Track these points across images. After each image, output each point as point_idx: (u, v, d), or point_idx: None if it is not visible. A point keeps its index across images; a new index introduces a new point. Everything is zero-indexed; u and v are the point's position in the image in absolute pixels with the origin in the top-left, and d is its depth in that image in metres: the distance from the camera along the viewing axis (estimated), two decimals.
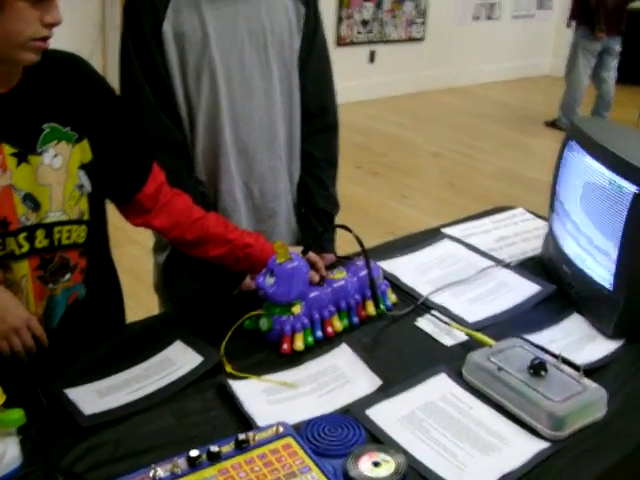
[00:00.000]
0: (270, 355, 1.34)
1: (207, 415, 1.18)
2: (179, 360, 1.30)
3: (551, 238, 1.72)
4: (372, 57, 6.79)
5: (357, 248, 1.72)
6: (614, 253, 1.41)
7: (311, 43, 1.59)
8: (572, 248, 1.58)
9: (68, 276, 1.25)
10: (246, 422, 1.15)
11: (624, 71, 6.15)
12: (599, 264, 1.47)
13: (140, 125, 1.35)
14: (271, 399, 1.22)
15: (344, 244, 1.64)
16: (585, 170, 1.52)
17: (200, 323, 1.43)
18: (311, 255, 1.41)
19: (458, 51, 7.36)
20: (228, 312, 1.46)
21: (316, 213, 1.66)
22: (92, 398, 1.19)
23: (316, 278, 1.40)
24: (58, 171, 1.19)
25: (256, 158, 1.55)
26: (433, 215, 3.95)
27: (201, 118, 1.47)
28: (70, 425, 1.13)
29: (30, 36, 1.07)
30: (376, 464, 1.00)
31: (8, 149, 1.14)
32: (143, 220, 1.34)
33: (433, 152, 5.41)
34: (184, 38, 1.41)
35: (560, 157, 1.66)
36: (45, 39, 1.09)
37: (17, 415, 1.00)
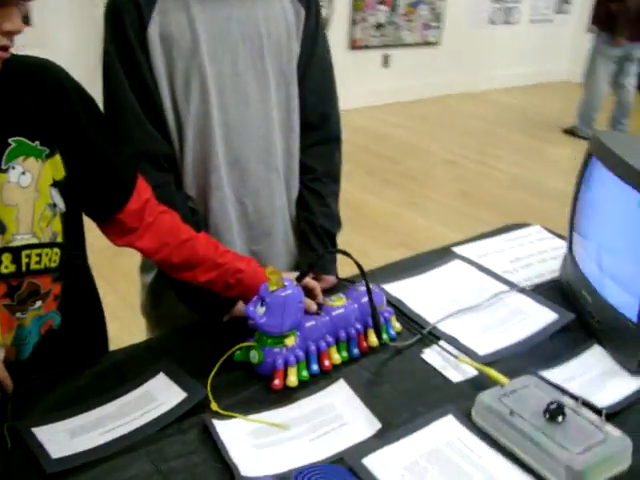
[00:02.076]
0: (260, 391, 1.23)
1: (188, 461, 1.06)
2: (160, 396, 1.18)
3: (570, 260, 1.60)
4: (386, 61, 6.67)
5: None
6: (638, 281, 1.28)
7: (311, 49, 1.47)
8: (594, 273, 1.46)
9: (39, 304, 1.14)
10: (229, 470, 1.03)
11: None
12: (623, 293, 1.34)
13: (123, 138, 1.24)
14: (257, 443, 1.10)
15: (346, 265, 1.52)
16: (609, 190, 1.40)
17: (186, 352, 1.32)
18: (308, 281, 1.30)
19: (474, 56, 7.23)
20: (217, 340, 1.35)
21: (316, 232, 1.54)
22: (62, 438, 1.08)
23: (313, 307, 1.28)
24: (26, 190, 1.08)
25: (250, 172, 1.44)
26: (445, 225, 3.83)
27: (190, 129, 1.36)
28: (35, 471, 1.01)
29: None
30: None
31: None
32: (126, 240, 1.23)
33: (447, 159, 5.28)
34: (172, 42, 1.30)
35: (581, 174, 1.54)
36: (5, 48, 0.98)
37: None
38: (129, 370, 1.26)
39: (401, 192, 4.46)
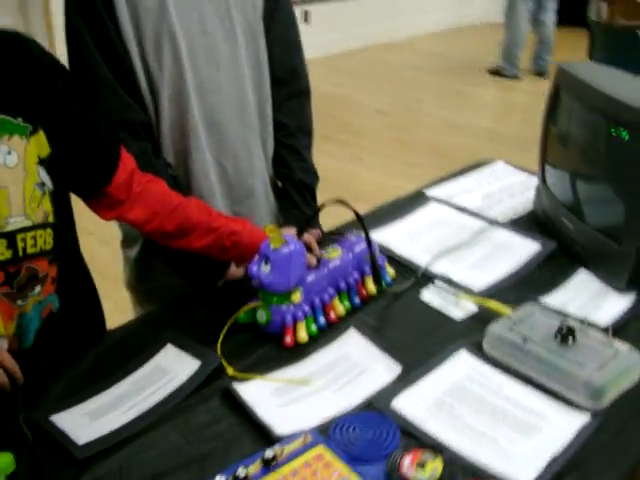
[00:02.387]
0: (271, 351, 1.22)
1: (217, 428, 1.05)
2: (173, 367, 1.16)
3: (544, 191, 1.63)
4: (306, 17, 6.59)
5: (337, 222, 1.62)
6: (622, 203, 1.32)
7: (275, 2, 1.44)
8: (572, 201, 1.49)
9: (38, 289, 1.09)
10: (261, 431, 1.03)
11: (563, 13, 6.10)
12: (604, 217, 1.38)
13: (101, 107, 1.19)
14: (282, 401, 1.10)
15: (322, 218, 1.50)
16: (582, 118, 1.43)
17: (187, 322, 1.29)
18: (305, 236, 1.29)
19: (390, 5, 7.22)
20: (215, 307, 1.33)
21: (296, 187, 1.52)
22: (82, 423, 1.05)
23: (313, 261, 1.27)
24: (14, 170, 1.02)
25: (228, 132, 1.40)
26: (391, 175, 3.84)
27: (165, 93, 1.31)
28: (63, 458, 0.98)
29: None
30: (421, 465, 0.89)
31: None
32: (116, 213, 1.19)
33: (379, 110, 5.29)
34: (138, 4, 1.24)
35: (550, 106, 1.56)
36: None
37: (6, 460, 0.85)
38: (134, 346, 1.22)
39: (342, 147, 4.45)
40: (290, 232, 1.25)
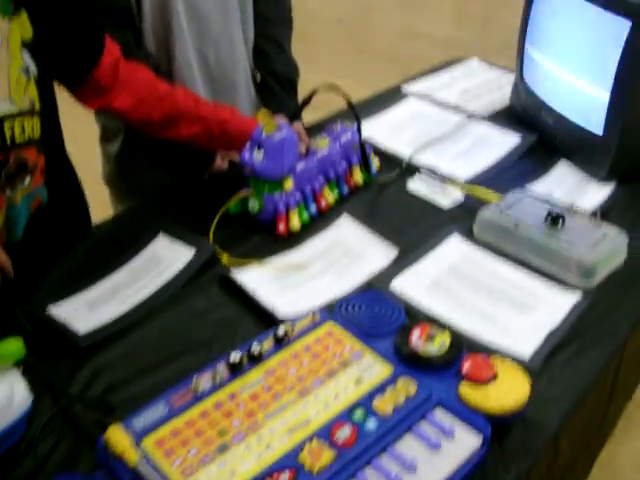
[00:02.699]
0: (265, 239, 1.21)
1: (219, 313, 1.05)
2: (168, 256, 1.15)
3: (523, 87, 1.62)
4: None
5: (316, 116, 1.59)
6: (605, 95, 1.32)
7: None
8: (553, 95, 1.49)
9: (28, 180, 1.05)
10: (264, 315, 1.03)
11: None
12: (588, 108, 1.38)
13: None
14: (282, 285, 1.10)
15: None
16: (565, 8, 1.41)
17: (175, 214, 1.27)
18: (294, 124, 1.26)
19: None
20: (204, 199, 1.31)
21: (277, 79, 1.49)
22: (81, 313, 1.03)
23: (302, 148, 1.26)
24: None
25: (209, 20, 1.35)
26: (353, 81, 3.77)
27: None
28: (65, 347, 0.97)
29: None
30: (430, 338, 0.91)
31: None
32: (103, 101, 1.14)
33: (335, 17, 5.17)
34: None
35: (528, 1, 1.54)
36: None
37: (16, 346, 0.84)
38: (124, 238, 1.20)
39: (299, 55, 4.35)
40: (281, 119, 1.23)
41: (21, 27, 1.00)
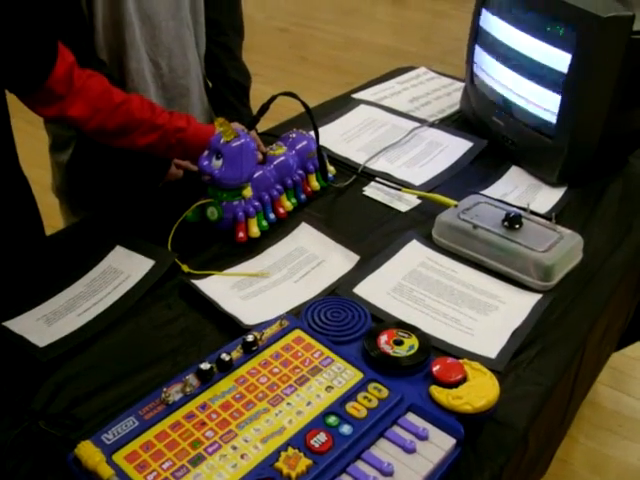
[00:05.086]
0: (224, 247, 1.20)
1: (182, 323, 1.03)
2: (126, 267, 1.12)
3: (472, 91, 1.65)
4: None
5: (266, 123, 1.58)
6: (555, 99, 1.35)
7: None
8: (503, 99, 1.52)
9: None
10: (228, 324, 1.01)
11: None
12: (539, 112, 1.41)
13: None
14: (244, 294, 1.09)
15: None
16: (513, 15, 1.44)
17: (131, 225, 1.25)
18: (250, 132, 1.25)
19: None
20: (160, 207, 1.29)
21: (230, 87, 1.48)
22: (39, 327, 1.00)
23: (260, 156, 1.25)
24: None
25: (162, 28, 1.33)
26: (295, 91, 3.78)
27: None
28: (24, 363, 0.94)
29: None
30: (397, 343, 0.91)
31: None
32: (56, 110, 1.10)
33: (277, 27, 5.18)
34: None
35: (480, 3, 1.57)
36: None
37: None
38: (79, 250, 1.17)
39: None
40: (239, 127, 1.22)
41: None
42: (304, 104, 1.27)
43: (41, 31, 1.07)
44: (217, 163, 1.15)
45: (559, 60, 1.32)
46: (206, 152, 1.16)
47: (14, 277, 1.10)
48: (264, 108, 1.24)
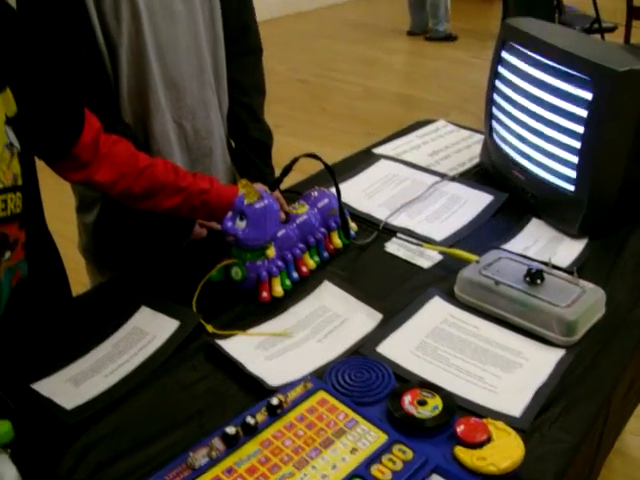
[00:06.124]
0: (248, 307, 1.21)
1: (207, 384, 1.04)
2: (151, 328, 1.14)
3: (492, 145, 1.67)
4: None
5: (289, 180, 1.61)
6: (575, 152, 1.37)
7: None
8: (523, 153, 1.53)
9: (8, 254, 1.04)
10: (252, 385, 1.02)
11: None
12: (558, 166, 1.43)
13: (65, 63, 1.14)
14: (268, 354, 1.10)
15: None
16: (530, 70, 1.47)
17: (156, 285, 1.27)
18: (274, 192, 1.28)
19: None
20: (184, 267, 1.31)
21: (252, 146, 1.51)
22: (66, 389, 1.02)
23: (283, 216, 1.27)
24: None
25: (186, 91, 1.37)
26: (317, 142, 3.84)
27: (124, 50, 1.27)
28: (52, 425, 0.95)
29: None
30: (421, 403, 0.91)
31: None
32: (83, 175, 1.14)
33: (298, 79, 5.28)
34: None
35: (497, 59, 1.60)
36: None
37: (4, 429, 0.82)
38: (105, 311, 1.19)
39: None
40: (262, 188, 1.24)
41: (5, 104, 1.01)
42: (326, 165, 1.30)
43: (69, 99, 1.11)
44: (241, 224, 1.17)
45: (576, 115, 1.34)
46: (230, 213, 1.19)
47: (42, 338, 1.12)
48: (287, 170, 1.26)
